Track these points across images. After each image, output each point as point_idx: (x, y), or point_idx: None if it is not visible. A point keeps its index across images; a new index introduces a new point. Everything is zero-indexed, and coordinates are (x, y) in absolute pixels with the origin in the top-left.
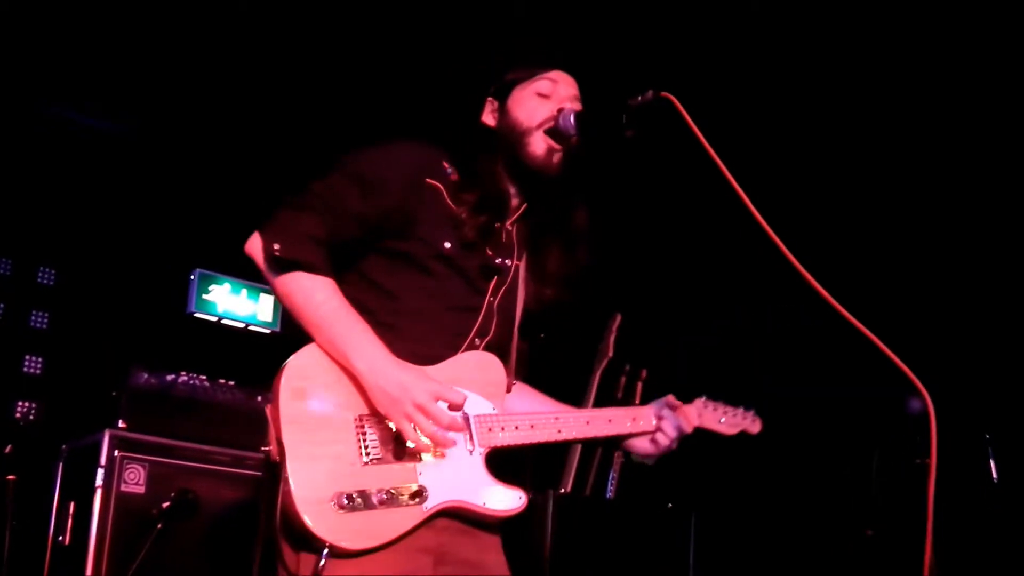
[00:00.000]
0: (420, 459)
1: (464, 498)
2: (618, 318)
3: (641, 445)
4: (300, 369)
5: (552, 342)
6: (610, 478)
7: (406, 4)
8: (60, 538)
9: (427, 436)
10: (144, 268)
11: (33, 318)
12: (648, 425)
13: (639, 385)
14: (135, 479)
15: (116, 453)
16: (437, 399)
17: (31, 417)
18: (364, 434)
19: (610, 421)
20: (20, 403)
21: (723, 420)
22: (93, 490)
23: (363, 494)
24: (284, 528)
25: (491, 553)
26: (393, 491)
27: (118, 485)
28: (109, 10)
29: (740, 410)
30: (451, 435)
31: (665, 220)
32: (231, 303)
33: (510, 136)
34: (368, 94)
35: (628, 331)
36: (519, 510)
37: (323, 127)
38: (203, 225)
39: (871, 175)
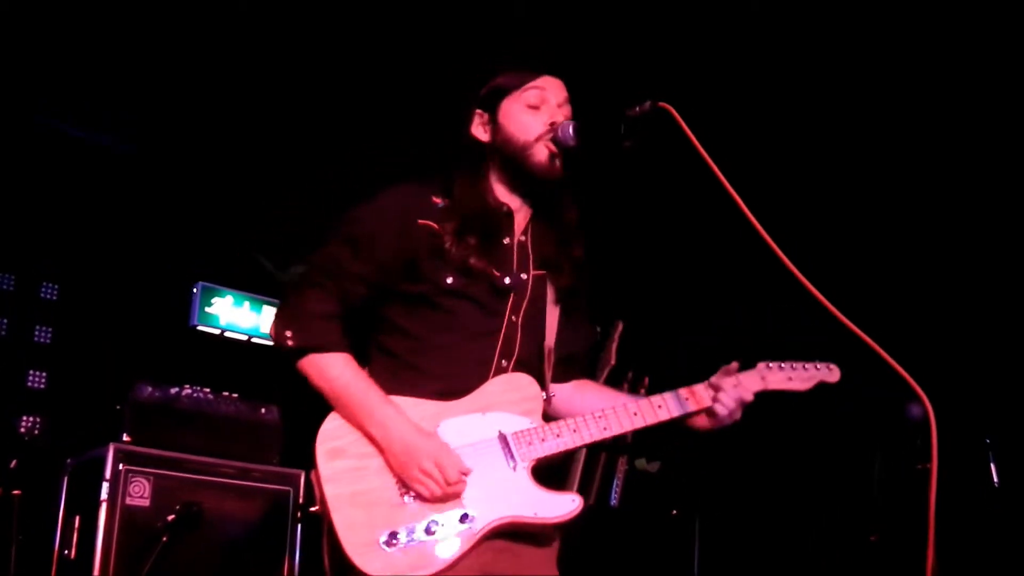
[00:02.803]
0: (458, 493)
1: (514, 512)
2: (620, 326)
3: (699, 421)
4: (331, 432)
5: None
6: (614, 486)
7: (406, 16)
8: (66, 552)
9: (433, 499)
10: (147, 282)
11: (36, 333)
12: (703, 401)
13: (642, 393)
14: (140, 492)
15: (121, 467)
16: (436, 463)
17: (35, 432)
18: None
19: (660, 407)
20: (24, 418)
21: (791, 378)
22: (98, 504)
23: (409, 529)
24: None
25: (541, 569)
26: (439, 520)
27: (123, 499)
28: (111, 26)
29: (811, 363)
30: (485, 464)
31: (665, 226)
32: (234, 315)
33: (507, 150)
34: (366, 105)
35: (630, 338)
36: (574, 514)
37: (324, 139)
38: (205, 238)
39: (869, 180)
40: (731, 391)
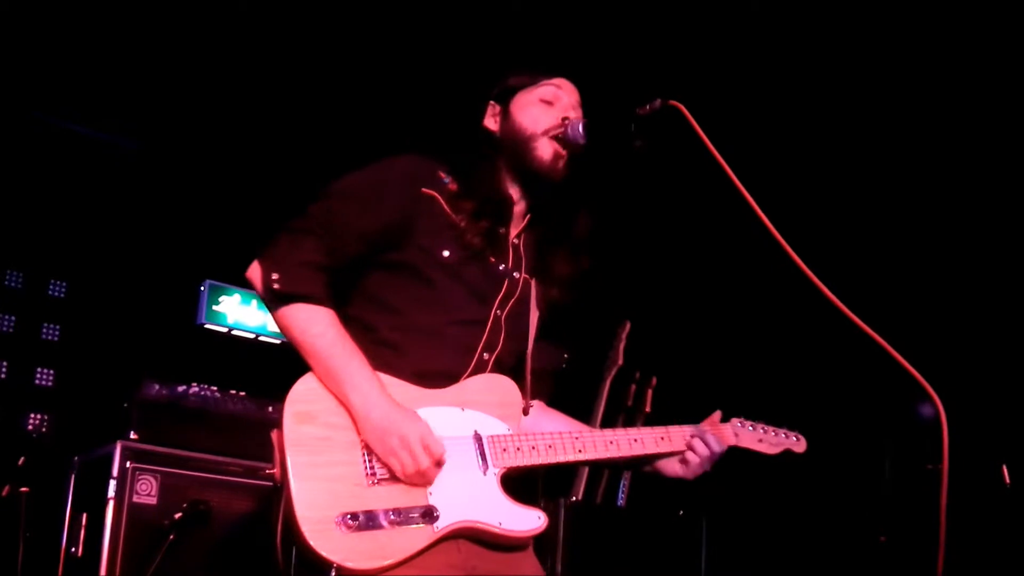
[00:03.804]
0: (431, 480)
1: (478, 518)
2: (627, 326)
3: (670, 466)
4: (304, 394)
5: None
6: (621, 486)
7: (410, 11)
8: (73, 550)
9: (405, 476)
10: (154, 280)
11: (44, 330)
12: (678, 445)
13: (649, 393)
14: (147, 490)
15: (128, 464)
16: (421, 442)
17: (43, 429)
18: (371, 455)
19: (636, 440)
20: (32, 415)
21: (762, 440)
22: (105, 501)
23: (370, 514)
24: (290, 550)
25: (525, 566)
26: (402, 511)
27: (130, 496)
28: (112, 25)
29: (781, 429)
30: (456, 461)
31: (671, 224)
32: (241, 314)
33: (514, 140)
34: (371, 101)
35: (638, 339)
36: (538, 531)
37: (331, 136)
38: (213, 237)
39: (881, 180)
40: (706, 440)
